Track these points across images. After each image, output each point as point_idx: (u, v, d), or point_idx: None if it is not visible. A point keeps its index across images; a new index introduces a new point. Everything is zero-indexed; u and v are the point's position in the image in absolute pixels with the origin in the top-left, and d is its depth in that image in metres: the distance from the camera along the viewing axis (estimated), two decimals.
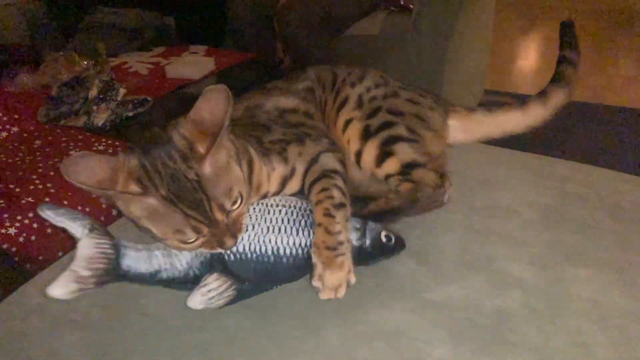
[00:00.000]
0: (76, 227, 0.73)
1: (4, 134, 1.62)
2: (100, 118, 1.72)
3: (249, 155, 0.84)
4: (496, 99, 3.19)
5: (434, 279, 0.86)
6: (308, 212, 0.84)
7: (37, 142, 1.57)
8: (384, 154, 0.95)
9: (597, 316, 0.79)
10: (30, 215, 1.27)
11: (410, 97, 1.07)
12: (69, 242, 1.25)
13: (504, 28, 4.42)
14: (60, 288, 0.71)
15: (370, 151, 0.96)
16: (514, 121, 1.11)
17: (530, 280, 0.86)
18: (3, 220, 1.24)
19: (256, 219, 0.80)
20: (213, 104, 0.70)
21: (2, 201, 1.29)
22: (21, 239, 1.24)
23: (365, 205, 0.93)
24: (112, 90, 1.79)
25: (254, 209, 0.81)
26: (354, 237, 0.84)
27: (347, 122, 1.01)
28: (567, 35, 1.11)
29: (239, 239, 0.75)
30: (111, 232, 0.78)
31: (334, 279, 0.77)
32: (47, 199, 1.31)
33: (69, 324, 0.81)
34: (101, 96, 1.77)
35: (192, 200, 0.68)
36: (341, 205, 0.82)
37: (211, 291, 0.76)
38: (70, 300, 0.85)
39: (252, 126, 0.93)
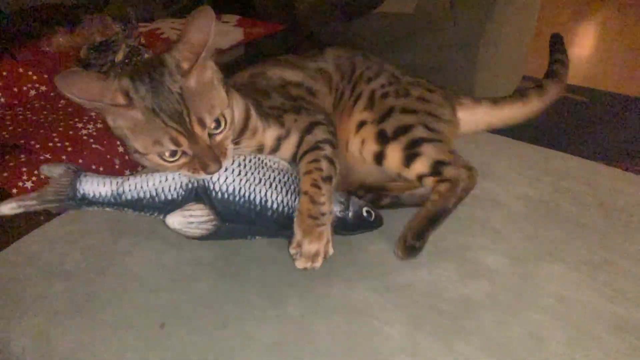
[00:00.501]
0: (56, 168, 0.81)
1: (33, 92, 1.70)
2: None
3: (245, 104, 0.88)
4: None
5: (403, 262, 0.88)
6: (298, 180, 0.88)
7: (62, 102, 1.64)
8: (411, 156, 0.96)
9: (560, 312, 0.80)
10: None
11: (420, 94, 1.07)
12: None
13: (556, 13, 4.22)
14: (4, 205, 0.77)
15: (395, 154, 0.97)
16: (515, 112, 1.13)
17: (501, 271, 0.87)
18: (22, 173, 1.31)
19: (250, 169, 0.84)
20: (198, 24, 0.75)
21: (22, 156, 1.37)
22: None
23: (377, 197, 1.00)
24: (137, 56, 1.84)
25: (250, 160, 0.86)
26: (337, 209, 0.89)
27: (361, 124, 1.02)
28: (558, 44, 1.24)
29: (224, 165, 0.77)
30: None
31: (312, 247, 0.81)
32: (64, 157, 1.39)
33: (58, 273, 0.87)
34: (126, 61, 1.83)
35: (172, 111, 0.72)
36: (328, 178, 0.86)
37: (192, 216, 0.79)
38: (64, 252, 0.93)
39: (252, 90, 0.97)
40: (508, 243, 0.94)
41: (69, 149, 1.42)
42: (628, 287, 0.85)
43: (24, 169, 1.33)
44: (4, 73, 1.69)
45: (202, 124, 0.74)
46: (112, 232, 0.96)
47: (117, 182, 0.82)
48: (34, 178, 1.33)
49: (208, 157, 0.75)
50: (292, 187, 0.87)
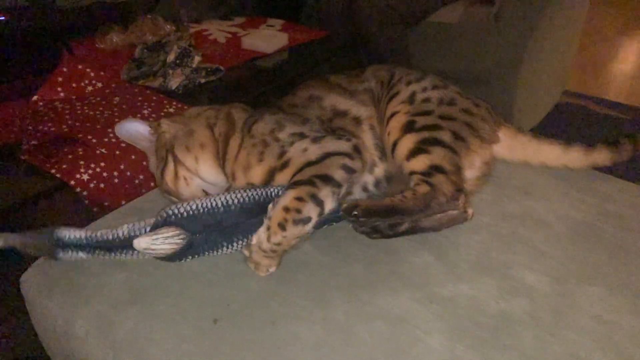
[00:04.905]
0: None
1: (90, 88, 1.79)
2: (175, 82, 1.85)
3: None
4: (576, 102, 3.06)
5: (446, 275, 0.91)
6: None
7: (117, 98, 1.72)
8: (418, 150, 0.97)
9: (600, 334, 0.81)
10: (102, 164, 1.42)
11: (466, 107, 1.07)
12: (133, 192, 1.39)
13: (601, 27, 4.13)
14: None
15: (406, 144, 0.98)
16: (553, 156, 1.12)
17: (541, 290, 0.89)
18: (79, 166, 1.39)
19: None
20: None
21: (80, 149, 1.44)
22: (92, 185, 1.39)
23: (394, 223, 0.95)
24: (188, 57, 1.91)
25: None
26: None
27: (392, 115, 1.03)
28: None
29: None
30: None
31: (263, 262, 0.88)
32: (117, 152, 1.45)
33: (118, 265, 0.93)
34: (177, 61, 1.90)
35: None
36: (303, 222, 0.84)
37: (157, 234, 0.84)
38: None
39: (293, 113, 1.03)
40: (548, 262, 0.95)
41: (122, 144, 1.49)
42: None
43: (82, 162, 1.41)
44: (64, 69, 1.77)
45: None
46: None
47: (91, 230, 0.92)
48: (90, 171, 1.40)
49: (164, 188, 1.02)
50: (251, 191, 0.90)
